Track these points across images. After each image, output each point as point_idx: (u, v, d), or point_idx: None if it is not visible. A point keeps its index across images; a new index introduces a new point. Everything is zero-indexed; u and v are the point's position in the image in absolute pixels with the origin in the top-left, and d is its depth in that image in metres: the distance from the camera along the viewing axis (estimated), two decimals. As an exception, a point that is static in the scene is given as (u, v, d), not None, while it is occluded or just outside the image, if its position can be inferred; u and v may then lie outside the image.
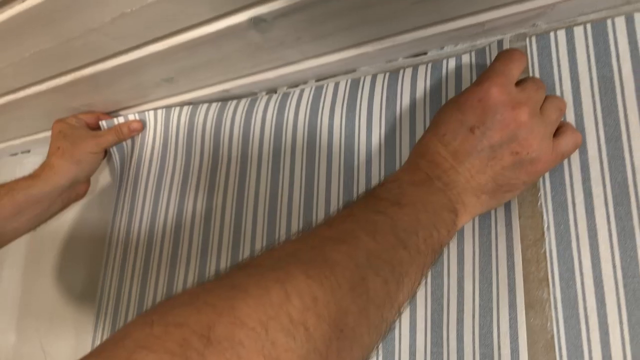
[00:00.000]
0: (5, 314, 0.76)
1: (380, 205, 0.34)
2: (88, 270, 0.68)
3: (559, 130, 0.38)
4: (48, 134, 0.73)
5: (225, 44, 0.47)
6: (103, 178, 0.71)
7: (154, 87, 0.58)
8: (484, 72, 0.37)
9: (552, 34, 0.43)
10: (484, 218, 0.41)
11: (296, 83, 0.56)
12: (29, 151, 0.83)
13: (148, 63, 0.51)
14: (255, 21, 0.43)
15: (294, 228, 0.50)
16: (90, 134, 0.61)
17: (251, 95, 0.59)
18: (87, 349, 0.63)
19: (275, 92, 0.58)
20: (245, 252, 0.53)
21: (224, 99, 0.61)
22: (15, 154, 0.85)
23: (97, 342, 0.62)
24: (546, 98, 0.38)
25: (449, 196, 0.35)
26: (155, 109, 0.63)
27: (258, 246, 0.52)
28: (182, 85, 0.58)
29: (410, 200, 0.34)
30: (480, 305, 0.40)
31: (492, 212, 0.41)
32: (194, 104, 0.62)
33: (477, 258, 0.41)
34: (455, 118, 0.36)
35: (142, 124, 0.63)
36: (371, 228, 0.32)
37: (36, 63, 0.52)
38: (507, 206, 0.41)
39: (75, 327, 0.68)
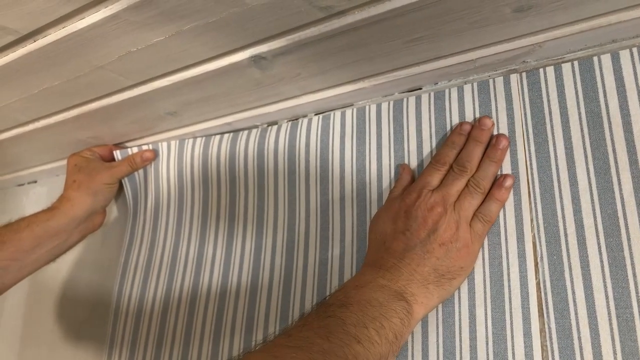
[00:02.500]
0: (6, 344, 0.77)
1: (329, 310, 0.38)
2: (90, 303, 0.69)
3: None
4: (54, 165, 0.75)
5: (227, 80, 0.49)
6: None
7: (158, 120, 0.60)
8: (408, 187, 0.45)
9: (541, 71, 0.45)
10: (495, 248, 0.43)
11: (296, 117, 0.58)
12: (35, 182, 0.85)
13: (152, 98, 0.53)
14: (256, 59, 0.45)
15: (311, 260, 0.52)
16: (105, 166, 0.63)
17: (253, 127, 0.61)
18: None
19: (276, 124, 0.59)
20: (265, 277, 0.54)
21: (227, 132, 0.62)
22: (22, 185, 0.87)
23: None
24: (467, 184, 0.43)
25: (395, 289, 0.40)
26: (162, 141, 0.65)
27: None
28: (185, 119, 0.59)
29: (355, 300, 0.39)
30: (493, 332, 0.41)
31: (503, 241, 0.43)
32: (201, 136, 0.64)
33: (488, 286, 0.42)
34: (391, 228, 0.43)
35: (155, 153, 0.65)
36: (324, 331, 0.35)
37: (44, 99, 0.54)
38: (520, 238, 0.42)
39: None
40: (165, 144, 0.65)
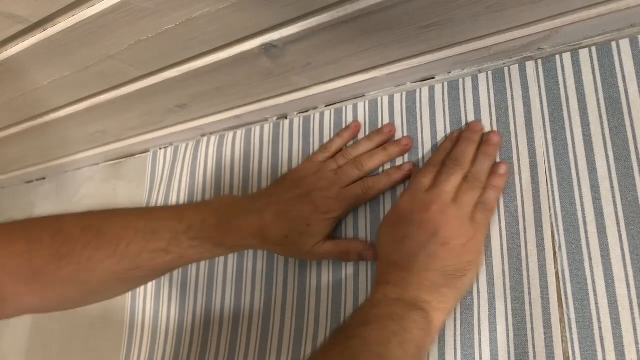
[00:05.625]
0: (15, 344, 0.77)
1: (349, 330, 0.37)
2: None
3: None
4: (63, 161, 0.75)
5: (237, 70, 0.49)
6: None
7: (167, 113, 0.59)
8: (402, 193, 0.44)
9: (557, 57, 0.44)
10: (514, 238, 0.42)
11: (306, 109, 0.57)
12: (44, 178, 0.85)
13: (162, 89, 0.53)
14: (267, 47, 0.45)
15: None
16: None
17: (263, 121, 0.60)
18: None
19: (286, 118, 0.59)
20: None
21: (236, 125, 0.62)
22: (31, 182, 0.87)
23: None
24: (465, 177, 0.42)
25: (408, 300, 0.39)
26: (171, 135, 0.64)
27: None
28: (195, 111, 0.59)
29: (374, 317, 0.38)
30: (514, 324, 0.40)
31: (522, 232, 0.42)
32: (211, 133, 0.64)
33: (507, 278, 0.41)
34: (390, 239, 0.42)
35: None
36: (348, 353, 0.35)
37: (54, 90, 0.54)
38: (539, 227, 0.41)
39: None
40: (183, 145, 0.65)
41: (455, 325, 0.42)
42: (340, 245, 0.49)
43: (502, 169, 0.43)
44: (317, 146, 0.55)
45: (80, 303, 0.50)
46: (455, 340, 0.42)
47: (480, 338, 0.41)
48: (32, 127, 0.64)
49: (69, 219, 0.45)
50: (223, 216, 0.48)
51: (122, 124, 0.63)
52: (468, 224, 0.40)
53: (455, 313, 0.42)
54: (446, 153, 0.44)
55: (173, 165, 0.67)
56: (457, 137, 0.45)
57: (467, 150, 0.43)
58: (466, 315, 0.42)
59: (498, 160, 0.44)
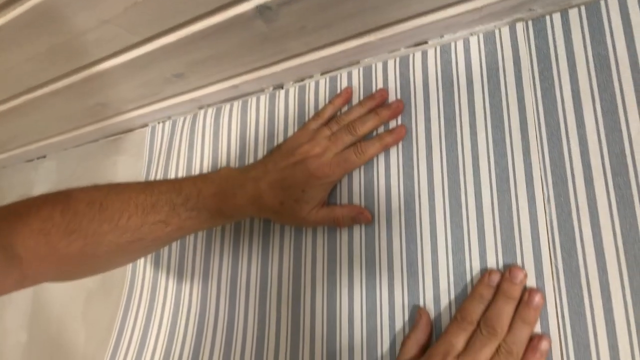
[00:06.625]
0: (17, 313, 0.78)
1: None
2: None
3: None
4: (63, 137, 0.76)
5: (233, 35, 0.49)
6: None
7: (165, 84, 0.60)
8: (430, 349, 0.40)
9: (547, 17, 0.44)
10: (504, 194, 0.43)
11: (302, 77, 0.58)
12: (44, 156, 0.86)
13: (159, 57, 0.53)
14: (261, 10, 0.45)
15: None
16: None
17: (260, 92, 0.61)
18: (96, 354, 0.64)
19: (282, 88, 0.59)
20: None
21: (232, 97, 0.63)
22: (31, 160, 0.88)
23: None
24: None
25: None
26: (169, 108, 0.65)
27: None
28: (192, 82, 0.60)
29: None
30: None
31: (513, 187, 0.42)
32: (208, 105, 0.65)
33: (498, 232, 0.42)
34: None
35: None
36: None
37: (52, 58, 0.55)
38: (529, 182, 0.42)
39: (85, 328, 0.69)
40: (181, 119, 0.67)
41: (449, 279, 0.43)
42: (334, 211, 0.49)
43: (544, 346, 0.37)
44: (313, 111, 0.56)
45: (90, 273, 0.52)
46: (449, 295, 0.43)
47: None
48: (31, 100, 0.65)
49: (74, 194, 0.47)
50: (220, 187, 0.49)
51: (120, 95, 0.63)
52: None
53: (447, 266, 0.43)
54: (481, 306, 0.40)
55: (171, 139, 0.68)
56: (495, 283, 0.40)
57: (504, 312, 0.38)
58: (458, 270, 0.43)
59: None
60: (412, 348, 0.41)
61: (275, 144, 0.58)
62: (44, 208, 0.46)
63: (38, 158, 0.87)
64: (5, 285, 0.44)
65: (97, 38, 0.50)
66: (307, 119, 0.56)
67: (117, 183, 0.50)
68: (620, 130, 0.39)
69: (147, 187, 0.50)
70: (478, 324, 0.39)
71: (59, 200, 0.47)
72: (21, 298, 0.78)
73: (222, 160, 0.62)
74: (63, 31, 0.49)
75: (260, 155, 0.59)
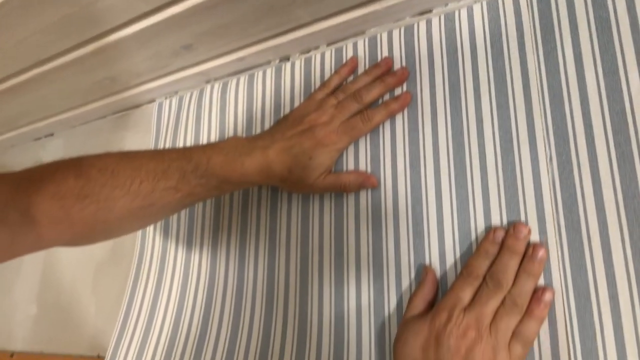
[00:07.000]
0: (27, 285, 0.79)
1: None
2: (109, 242, 0.71)
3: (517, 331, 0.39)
4: (71, 114, 0.77)
5: (240, 3, 0.50)
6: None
7: (173, 56, 0.61)
8: (437, 304, 0.41)
9: (550, -17, 0.45)
10: (508, 155, 0.44)
11: (308, 49, 0.59)
12: (52, 134, 0.87)
13: (168, 27, 0.54)
14: (269, -23, 0.46)
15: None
16: None
17: (266, 64, 0.62)
18: (105, 329, 0.65)
19: (288, 60, 0.60)
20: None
21: (239, 70, 0.64)
22: (39, 139, 0.89)
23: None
24: (504, 300, 0.39)
25: None
26: (177, 82, 0.66)
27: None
28: (200, 53, 0.61)
29: None
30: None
31: (516, 148, 0.44)
32: (215, 79, 0.66)
33: (502, 191, 0.43)
34: (422, 357, 0.39)
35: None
36: None
37: (62, 30, 0.55)
38: (533, 142, 0.43)
39: (96, 299, 0.70)
40: (188, 94, 0.68)
41: (454, 243, 0.44)
42: (341, 177, 0.51)
43: (547, 297, 0.39)
44: (319, 83, 0.57)
45: (103, 238, 0.53)
46: (454, 253, 0.44)
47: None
48: (41, 74, 0.65)
49: (87, 161, 0.48)
50: (229, 155, 0.50)
51: (130, 69, 0.64)
52: (504, 356, 0.38)
53: (453, 231, 0.45)
54: (487, 261, 0.41)
55: (178, 114, 0.69)
56: (500, 240, 0.42)
57: (509, 266, 0.40)
58: (463, 229, 0.44)
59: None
60: (420, 304, 0.43)
61: (282, 116, 0.59)
62: (58, 173, 0.47)
63: (46, 136, 0.88)
64: (22, 247, 0.45)
65: (109, 6, 0.51)
66: (313, 91, 0.57)
67: (128, 151, 0.52)
68: (621, 90, 0.40)
69: (158, 154, 0.51)
70: (484, 279, 0.40)
71: (72, 166, 0.48)
72: (30, 271, 0.79)
73: (229, 134, 0.63)
74: (73, 0, 0.50)
75: (267, 127, 0.60)
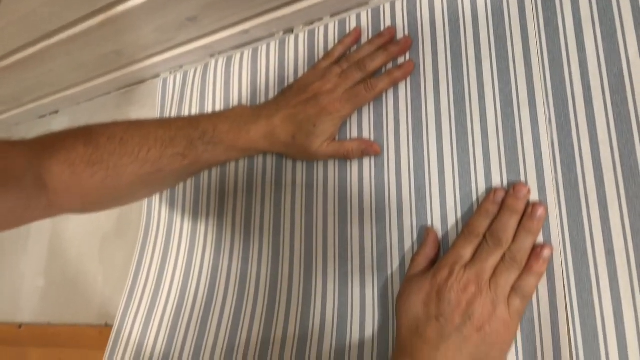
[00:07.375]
0: (34, 258, 0.80)
1: None
2: (115, 212, 0.72)
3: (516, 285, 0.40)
4: (77, 90, 0.78)
5: (246, -27, 0.51)
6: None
7: (179, 29, 0.62)
8: (439, 261, 0.42)
9: (550, -49, 0.46)
10: (508, 118, 0.45)
11: (312, 20, 0.60)
12: (57, 112, 0.88)
13: (174, -2, 0.55)
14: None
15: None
16: None
17: (270, 37, 0.63)
18: (113, 297, 0.66)
19: (292, 32, 0.61)
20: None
21: (243, 43, 0.65)
22: (44, 116, 0.90)
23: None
24: (503, 257, 0.40)
25: None
26: (182, 55, 0.67)
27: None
28: (205, 26, 0.61)
29: None
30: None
31: (516, 111, 0.45)
32: (219, 52, 0.67)
33: (502, 153, 0.44)
34: (422, 312, 0.40)
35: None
36: None
37: (69, 1, 0.56)
38: (532, 105, 0.44)
39: (103, 269, 0.71)
40: (192, 69, 0.69)
41: (455, 199, 0.46)
42: (344, 144, 0.52)
43: (546, 253, 0.40)
44: (322, 55, 0.58)
45: (113, 205, 0.54)
46: (456, 221, 0.45)
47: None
48: (47, 47, 0.66)
49: (95, 129, 0.50)
50: (234, 122, 0.51)
51: (135, 42, 0.65)
52: (504, 310, 0.39)
53: (454, 186, 0.46)
54: (487, 220, 0.42)
55: (183, 89, 0.70)
56: (500, 200, 0.42)
57: (509, 224, 0.41)
58: (464, 191, 0.45)
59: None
60: (422, 262, 0.44)
61: (287, 85, 0.60)
62: (68, 140, 0.48)
63: (50, 113, 0.89)
64: (35, 213, 0.47)
65: (116, -23, 0.52)
66: (316, 58, 0.58)
67: (136, 120, 0.53)
68: (619, 52, 0.41)
69: (165, 122, 0.53)
70: (484, 237, 0.42)
71: (82, 134, 0.49)
72: (36, 244, 0.81)
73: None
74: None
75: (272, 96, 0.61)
